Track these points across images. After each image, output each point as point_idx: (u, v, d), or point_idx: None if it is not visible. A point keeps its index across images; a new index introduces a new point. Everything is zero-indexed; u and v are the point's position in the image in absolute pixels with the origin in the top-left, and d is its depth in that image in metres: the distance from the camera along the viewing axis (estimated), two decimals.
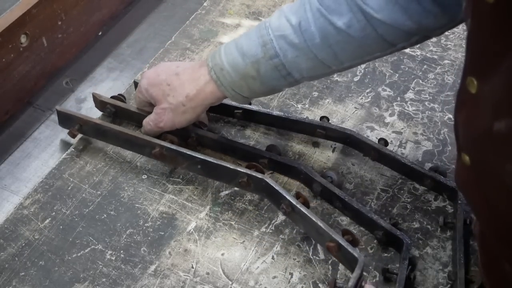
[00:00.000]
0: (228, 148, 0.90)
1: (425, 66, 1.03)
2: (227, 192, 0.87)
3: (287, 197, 0.78)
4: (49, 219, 0.84)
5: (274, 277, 0.78)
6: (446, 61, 1.04)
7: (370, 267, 0.79)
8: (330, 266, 0.79)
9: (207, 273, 0.78)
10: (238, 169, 0.82)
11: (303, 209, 0.77)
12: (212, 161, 0.83)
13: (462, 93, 0.56)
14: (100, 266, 0.79)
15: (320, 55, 0.75)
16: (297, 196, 0.80)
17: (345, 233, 0.77)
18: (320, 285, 0.77)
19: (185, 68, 0.84)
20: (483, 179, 0.57)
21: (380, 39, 0.73)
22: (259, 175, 0.81)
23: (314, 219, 0.76)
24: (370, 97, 0.99)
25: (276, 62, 0.76)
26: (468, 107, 0.56)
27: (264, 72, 0.77)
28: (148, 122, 0.88)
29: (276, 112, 0.93)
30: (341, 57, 0.75)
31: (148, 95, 0.87)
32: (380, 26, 0.72)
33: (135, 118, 0.93)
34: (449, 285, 0.77)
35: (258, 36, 0.76)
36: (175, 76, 0.84)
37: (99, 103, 0.95)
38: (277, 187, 0.79)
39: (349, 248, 0.73)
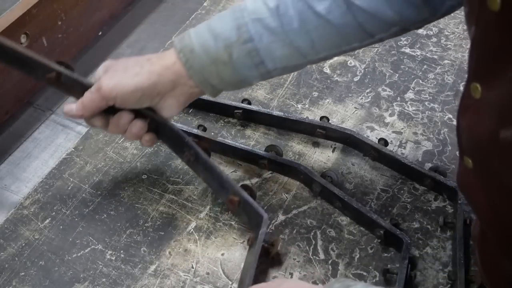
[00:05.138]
0: (227, 149, 0.90)
1: (425, 66, 1.03)
2: None
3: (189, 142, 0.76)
4: (49, 219, 0.84)
5: (274, 277, 0.78)
6: (446, 61, 1.04)
7: (370, 267, 0.79)
8: (330, 266, 0.79)
9: (207, 273, 0.78)
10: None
11: (206, 157, 0.76)
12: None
13: (465, 98, 0.56)
14: (100, 266, 0.79)
15: (296, 42, 0.71)
16: (198, 143, 0.77)
17: (245, 188, 0.76)
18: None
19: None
20: (486, 182, 0.57)
21: (359, 28, 0.70)
22: (158, 117, 0.75)
23: (217, 169, 0.74)
24: (370, 97, 0.99)
25: (250, 47, 0.71)
26: (472, 112, 0.56)
27: (237, 57, 0.71)
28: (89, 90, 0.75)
29: (276, 112, 0.93)
30: (318, 45, 0.72)
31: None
32: (360, 14, 0.69)
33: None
34: (449, 285, 0.77)
35: (233, 19, 0.71)
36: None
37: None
38: (179, 132, 0.77)
39: (254, 205, 0.72)
